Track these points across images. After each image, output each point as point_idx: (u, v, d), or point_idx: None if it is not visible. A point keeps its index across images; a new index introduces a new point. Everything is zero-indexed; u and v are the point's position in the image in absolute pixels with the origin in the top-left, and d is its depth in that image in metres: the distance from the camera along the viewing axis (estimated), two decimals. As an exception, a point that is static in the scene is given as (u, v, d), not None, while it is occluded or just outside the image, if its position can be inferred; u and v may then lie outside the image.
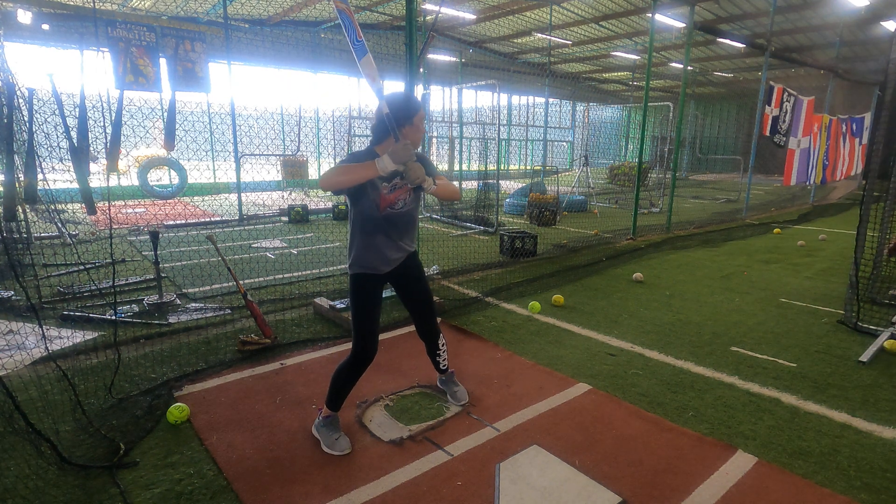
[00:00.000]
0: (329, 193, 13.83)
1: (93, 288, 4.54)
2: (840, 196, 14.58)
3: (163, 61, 6.88)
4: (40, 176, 4.12)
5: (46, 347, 2.72)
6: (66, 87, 7.39)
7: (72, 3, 10.56)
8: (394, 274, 2.47)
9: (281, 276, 5.32)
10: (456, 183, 13.02)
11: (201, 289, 4.78)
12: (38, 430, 2.08)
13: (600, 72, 23.31)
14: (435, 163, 16.90)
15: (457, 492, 2.11)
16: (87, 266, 5.41)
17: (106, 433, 2.41)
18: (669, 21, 12.45)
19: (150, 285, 4.77)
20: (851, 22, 13.87)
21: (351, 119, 12.84)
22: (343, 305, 4.12)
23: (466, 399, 2.82)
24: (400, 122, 2.20)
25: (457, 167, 13.72)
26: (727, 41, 11.85)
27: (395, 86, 17.12)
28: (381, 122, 2.20)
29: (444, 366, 2.81)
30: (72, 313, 3.89)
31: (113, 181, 11.79)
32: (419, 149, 2.40)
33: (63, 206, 7.53)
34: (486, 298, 4.68)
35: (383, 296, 2.59)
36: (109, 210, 4.84)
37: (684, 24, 10.60)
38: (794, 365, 3.36)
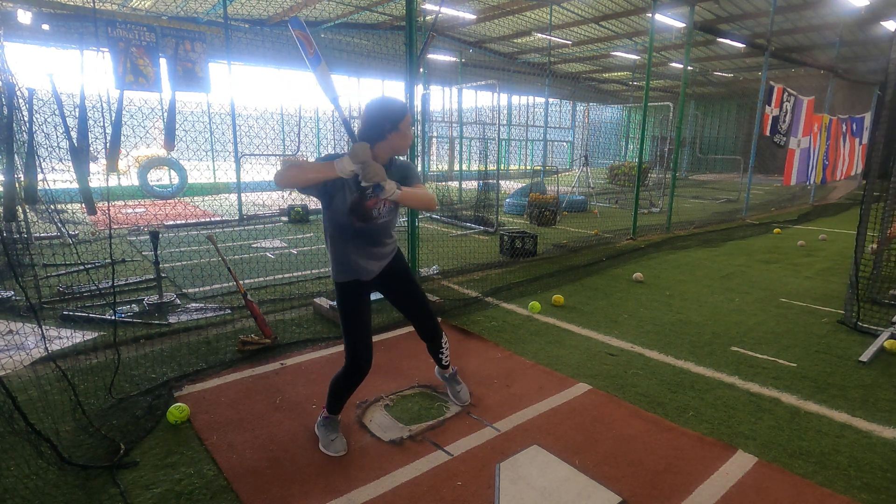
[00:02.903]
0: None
1: (93, 288, 4.54)
2: (840, 196, 14.58)
3: (163, 61, 6.87)
4: (40, 176, 4.12)
5: (46, 348, 2.72)
6: (66, 87, 7.40)
7: (72, 3, 10.56)
8: (377, 279, 2.37)
9: (281, 276, 5.32)
10: (455, 183, 13.01)
11: (201, 289, 4.78)
12: (38, 431, 2.08)
13: (600, 72, 23.31)
14: (434, 163, 16.91)
15: (457, 492, 2.11)
16: (87, 266, 5.41)
17: (106, 433, 2.41)
18: (669, 21, 12.45)
19: (150, 285, 4.77)
20: (851, 22, 13.87)
21: (351, 119, 12.82)
22: (343, 305, 4.12)
23: (469, 399, 2.81)
24: (384, 129, 2.13)
25: (457, 167, 13.71)
26: (727, 41, 11.85)
27: (395, 86, 17.12)
28: (367, 125, 2.14)
29: (446, 361, 2.76)
30: (72, 313, 3.89)
31: (113, 181, 11.79)
32: (405, 156, 2.35)
33: (63, 206, 7.53)
34: (486, 298, 4.68)
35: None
36: (109, 210, 4.83)
37: (684, 24, 10.60)
38: (794, 365, 3.36)
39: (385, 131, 2.14)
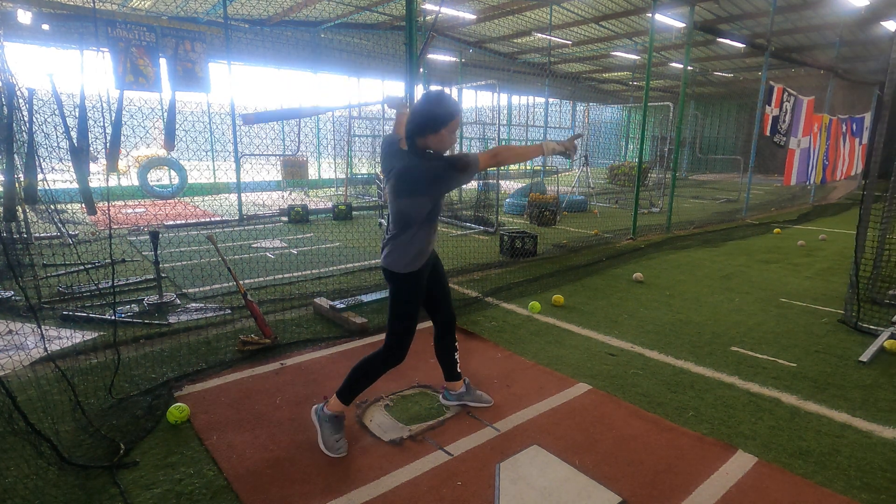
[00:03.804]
0: (330, 193, 13.85)
1: (93, 288, 4.54)
2: (840, 196, 14.57)
3: (163, 61, 6.88)
4: (40, 176, 4.12)
5: (46, 348, 2.72)
6: (66, 87, 7.39)
7: (72, 3, 10.56)
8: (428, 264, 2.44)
9: (281, 276, 5.32)
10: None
11: (201, 289, 4.78)
12: (38, 430, 2.08)
13: (600, 72, 23.32)
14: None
15: (457, 492, 2.11)
16: (87, 266, 5.41)
17: (106, 433, 2.41)
18: (669, 21, 12.44)
19: (150, 285, 4.77)
20: (851, 22, 13.87)
21: (351, 119, 12.82)
22: (343, 305, 4.12)
23: (491, 399, 2.82)
24: (425, 130, 2.17)
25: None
26: (727, 41, 11.85)
27: (395, 86, 17.11)
28: (412, 121, 2.19)
29: (458, 367, 2.74)
30: (72, 313, 3.89)
31: (113, 181, 11.79)
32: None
33: (63, 206, 7.53)
34: (486, 298, 4.68)
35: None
36: (109, 210, 4.84)
37: (684, 24, 10.60)
38: (794, 365, 3.36)
39: (426, 131, 2.17)
